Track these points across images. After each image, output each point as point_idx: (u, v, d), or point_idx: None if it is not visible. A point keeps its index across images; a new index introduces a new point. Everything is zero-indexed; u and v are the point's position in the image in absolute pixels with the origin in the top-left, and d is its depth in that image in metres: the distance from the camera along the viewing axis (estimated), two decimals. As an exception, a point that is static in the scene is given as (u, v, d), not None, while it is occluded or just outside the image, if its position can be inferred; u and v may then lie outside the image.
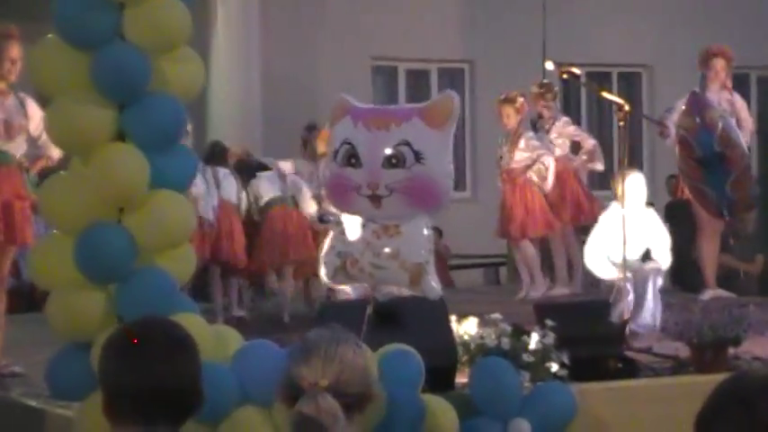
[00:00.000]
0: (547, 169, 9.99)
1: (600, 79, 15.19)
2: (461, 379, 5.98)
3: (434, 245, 14.47)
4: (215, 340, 5.32)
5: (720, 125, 8.99)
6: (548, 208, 10.15)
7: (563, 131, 10.34)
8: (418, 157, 6.48)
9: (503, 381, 5.75)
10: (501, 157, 10.22)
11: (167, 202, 5.30)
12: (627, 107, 8.33)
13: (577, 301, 8.19)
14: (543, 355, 6.08)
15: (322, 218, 9.49)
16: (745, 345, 6.72)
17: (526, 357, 6.00)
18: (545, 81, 10.54)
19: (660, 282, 8.01)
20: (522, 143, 10.05)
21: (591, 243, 8.31)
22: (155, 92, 5.25)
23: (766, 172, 13.92)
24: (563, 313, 6.62)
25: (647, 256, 8.05)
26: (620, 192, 8.02)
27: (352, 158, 6.66)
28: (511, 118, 10.09)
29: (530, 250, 10.27)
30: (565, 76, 10.41)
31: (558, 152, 10.28)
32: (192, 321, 4.86)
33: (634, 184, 8.06)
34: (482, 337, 6.09)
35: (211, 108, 13.35)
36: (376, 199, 6.59)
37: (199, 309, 5.70)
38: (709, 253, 10.13)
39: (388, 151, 6.52)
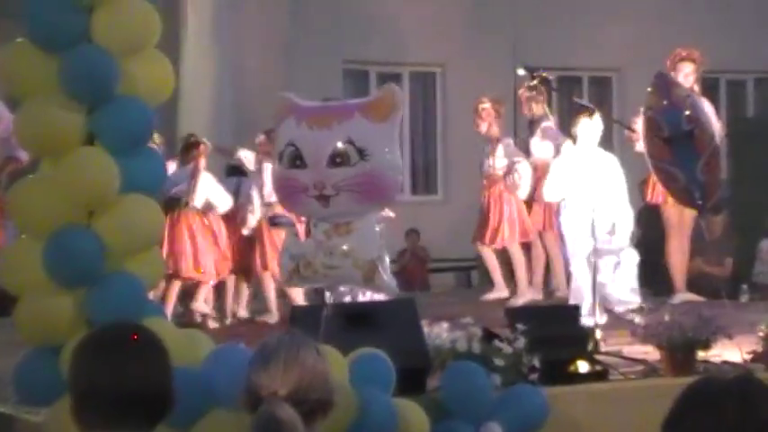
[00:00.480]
0: (521, 177, 9.98)
1: (571, 84, 15.25)
2: (433, 382, 5.98)
3: (413, 247, 14.57)
4: (185, 344, 5.29)
5: (688, 103, 8.90)
6: (525, 216, 10.15)
7: (546, 134, 10.31)
8: (362, 154, 6.41)
9: (474, 384, 5.76)
10: (482, 164, 10.23)
11: (137, 206, 5.28)
12: (597, 112, 8.39)
13: (548, 304, 8.23)
14: (514, 358, 6.08)
15: (274, 220, 9.41)
16: (715, 348, 6.74)
17: (497, 361, 6.00)
18: (532, 83, 10.49)
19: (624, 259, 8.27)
20: (500, 150, 10.05)
21: (549, 182, 8.66)
22: (123, 94, 5.23)
23: (736, 176, 14.00)
24: (534, 317, 6.63)
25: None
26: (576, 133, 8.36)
27: (296, 160, 6.60)
28: (480, 127, 10.15)
29: (490, 258, 10.24)
30: (535, 81, 10.41)
31: (538, 156, 10.23)
32: (161, 325, 4.83)
33: (589, 127, 8.28)
34: (453, 341, 6.09)
35: (182, 109, 13.29)
36: (324, 199, 6.54)
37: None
38: (678, 257, 10.17)
39: (332, 150, 6.48)
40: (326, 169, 6.49)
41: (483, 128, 10.14)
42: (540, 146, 10.22)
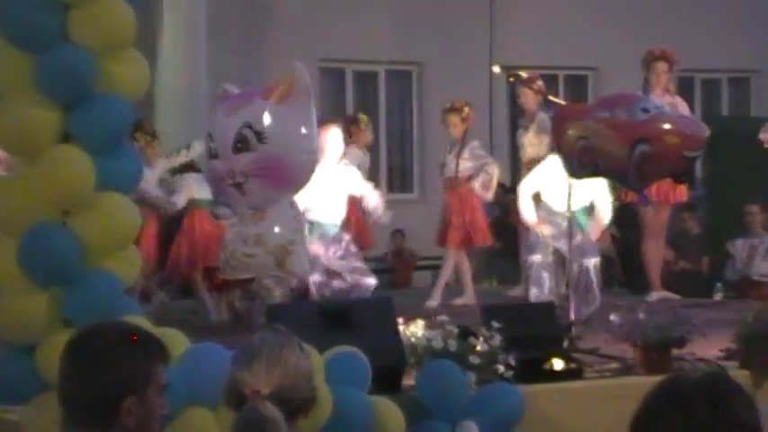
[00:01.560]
0: (491, 179, 9.96)
1: (547, 82, 15.27)
2: (409, 381, 5.99)
3: (398, 249, 14.61)
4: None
5: (579, 145, 8.14)
6: (486, 220, 10.18)
7: (542, 129, 10.25)
8: (260, 137, 6.30)
9: (450, 382, 5.77)
10: (444, 165, 10.17)
11: (113, 204, 5.28)
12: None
13: (524, 302, 8.25)
14: (490, 356, 6.10)
15: (214, 213, 9.29)
16: (690, 346, 6.78)
17: (473, 359, 6.02)
18: (526, 75, 10.44)
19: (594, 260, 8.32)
20: (466, 153, 10.00)
21: (525, 186, 8.77)
22: (100, 93, 5.23)
23: (711, 175, 14.07)
24: (509, 315, 6.65)
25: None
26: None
27: (212, 150, 6.61)
28: (457, 127, 10.01)
29: (465, 262, 10.20)
30: (511, 79, 10.42)
31: (532, 151, 10.21)
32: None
33: None
34: (429, 339, 6.10)
35: (158, 108, 13.27)
36: (238, 187, 6.49)
37: (142, 310, 5.69)
38: (653, 255, 10.21)
39: (233, 137, 6.43)
40: (233, 156, 6.44)
41: (460, 130, 10.03)
42: (532, 141, 10.17)
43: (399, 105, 15.70)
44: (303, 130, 6.43)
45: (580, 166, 8.15)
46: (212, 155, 6.63)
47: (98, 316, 4.68)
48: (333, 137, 8.31)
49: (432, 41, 14.95)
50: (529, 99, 10.14)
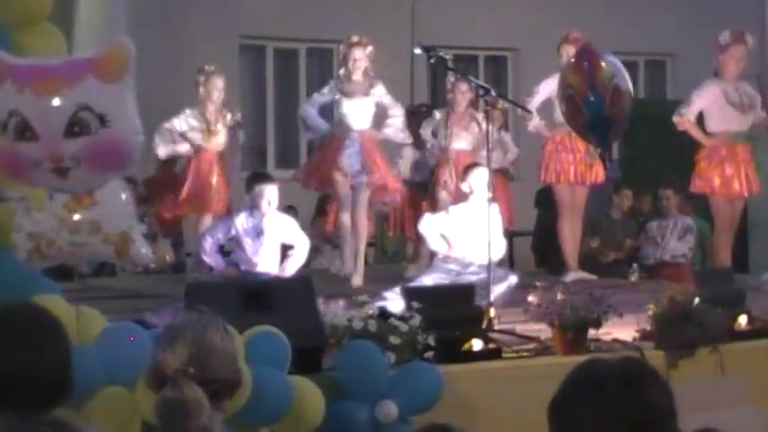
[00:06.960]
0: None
1: (467, 62, 15.33)
2: (329, 361, 5.99)
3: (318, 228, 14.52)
4: (77, 321, 5.23)
5: (612, 87, 8.76)
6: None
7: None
8: (103, 120, 5.96)
9: (369, 363, 5.78)
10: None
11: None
12: (492, 92, 8.43)
13: (444, 284, 8.27)
14: (410, 337, 6.11)
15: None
16: (606, 326, 6.86)
17: (393, 339, 6.03)
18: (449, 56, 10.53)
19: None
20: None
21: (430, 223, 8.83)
22: (16, 68, 5.14)
23: (627, 157, 14.23)
24: (429, 296, 6.68)
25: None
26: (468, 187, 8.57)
27: (26, 132, 6.03)
28: (362, 61, 10.08)
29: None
30: (432, 60, 10.41)
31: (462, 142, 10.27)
32: (53, 303, 4.77)
33: (479, 179, 8.39)
34: (349, 320, 6.10)
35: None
36: (62, 171, 6.05)
37: (59, 288, 5.62)
38: (570, 235, 10.31)
39: (69, 119, 5.96)
40: (63, 140, 6.00)
41: (365, 68, 10.12)
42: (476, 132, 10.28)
43: (320, 84, 15.63)
44: (135, 111, 5.95)
45: (610, 108, 8.62)
46: (24, 137, 5.97)
47: (14, 293, 4.63)
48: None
49: (353, 20, 14.90)
50: (463, 98, 10.21)
